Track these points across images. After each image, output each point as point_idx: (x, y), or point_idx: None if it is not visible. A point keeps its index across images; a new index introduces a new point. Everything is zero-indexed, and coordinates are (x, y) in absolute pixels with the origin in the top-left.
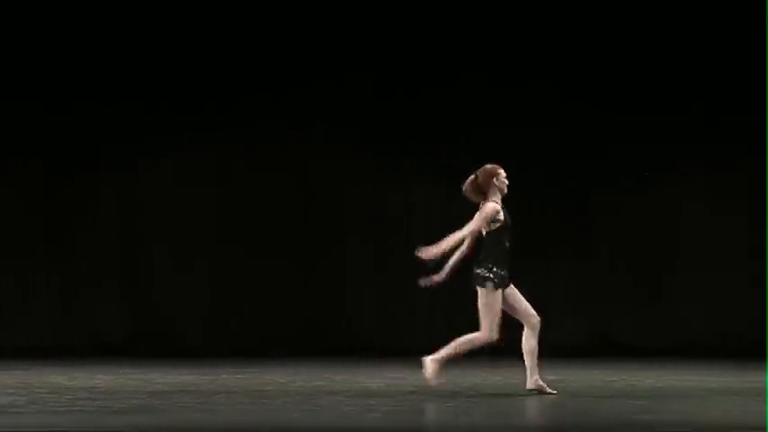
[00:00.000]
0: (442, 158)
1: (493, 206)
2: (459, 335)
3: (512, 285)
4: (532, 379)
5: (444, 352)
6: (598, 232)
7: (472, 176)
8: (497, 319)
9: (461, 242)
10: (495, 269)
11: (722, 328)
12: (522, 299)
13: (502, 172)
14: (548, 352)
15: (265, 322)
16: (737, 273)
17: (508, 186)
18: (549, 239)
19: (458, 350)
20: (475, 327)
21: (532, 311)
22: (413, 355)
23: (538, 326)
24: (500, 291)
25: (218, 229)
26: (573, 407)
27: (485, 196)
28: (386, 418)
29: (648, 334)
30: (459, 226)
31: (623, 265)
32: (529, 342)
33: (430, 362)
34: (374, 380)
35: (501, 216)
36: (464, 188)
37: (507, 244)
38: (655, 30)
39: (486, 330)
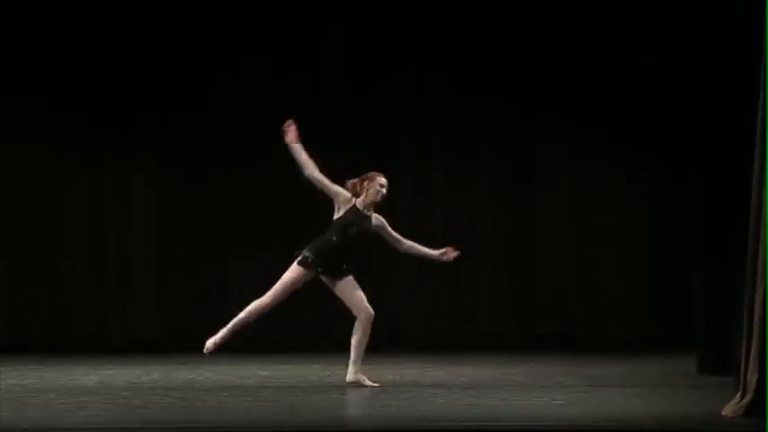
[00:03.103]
0: None
1: (348, 195)
2: None
3: (349, 278)
4: (352, 371)
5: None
6: (312, 230)
7: (361, 177)
8: (281, 288)
9: (305, 162)
10: (310, 251)
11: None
12: (356, 294)
13: (381, 180)
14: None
15: None
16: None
17: (383, 197)
18: (262, 239)
19: (236, 327)
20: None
21: (362, 306)
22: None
23: (367, 321)
24: (301, 268)
25: None
26: (284, 402)
27: (357, 196)
28: (99, 416)
29: None
30: None
31: None
32: (356, 335)
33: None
34: (89, 377)
35: (345, 210)
36: (348, 182)
37: (335, 239)
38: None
39: (269, 295)
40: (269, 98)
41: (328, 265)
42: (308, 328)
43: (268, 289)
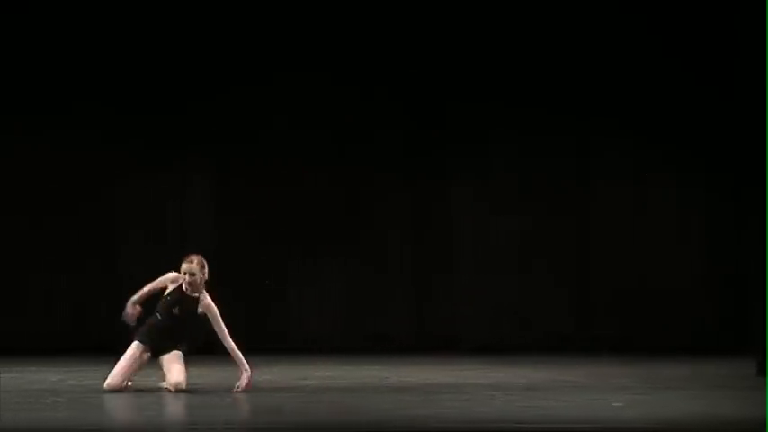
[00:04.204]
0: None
1: (173, 273)
2: None
3: (174, 352)
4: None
5: None
6: (370, 231)
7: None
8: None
9: (149, 291)
10: (143, 331)
11: (493, 327)
12: (175, 363)
13: (184, 267)
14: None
15: None
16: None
17: (189, 282)
18: (320, 239)
19: None
20: None
21: (175, 374)
22: None
23: (173, 386)
24: (138, 344)
25: None
26: (343, 403)
27: None
28: (159, 416)
29: (423, 331)
30: None
31: (396, 263)
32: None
33: None
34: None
35: (170, 287)
36: None
37: (161, 320)
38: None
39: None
40: (324, 99)
41: (157, 342)
42: (367, 331)
43: (326, 290)
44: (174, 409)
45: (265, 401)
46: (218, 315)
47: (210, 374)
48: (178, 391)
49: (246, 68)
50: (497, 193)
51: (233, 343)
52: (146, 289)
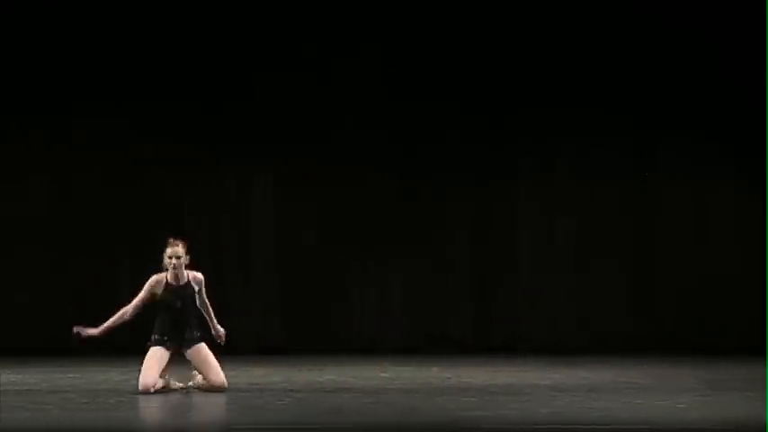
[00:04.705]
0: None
1: (153, 277)
2: None
3: (199, 347)
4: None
5: None
6: (431, 231)
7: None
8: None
9: (125, 315)
10: (154, 334)
11: (553, 327)
12: (208, 362)
13: (168, 251)
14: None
15: None
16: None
17: (173, 267)
18: (382, 239)
19: None
20: None
21: (214, 374)
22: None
23: (217, 388)
24: (155, 347)
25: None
26: (404, 403)
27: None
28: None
29: (483, 332)
30: None
31: (456, 264)
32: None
33: None
34: None
35: (158, 290)
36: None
37: (167, 317)
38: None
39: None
40: (387, 99)
41: (172, 338)
42: (428, 331)
43: (387, 291)
44: (237, 410)
45: (326, 402)
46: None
47: (269, 373)
48: (221, 390)
49: (308, 67)
50: (557, 193)
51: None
52: (119, 314)
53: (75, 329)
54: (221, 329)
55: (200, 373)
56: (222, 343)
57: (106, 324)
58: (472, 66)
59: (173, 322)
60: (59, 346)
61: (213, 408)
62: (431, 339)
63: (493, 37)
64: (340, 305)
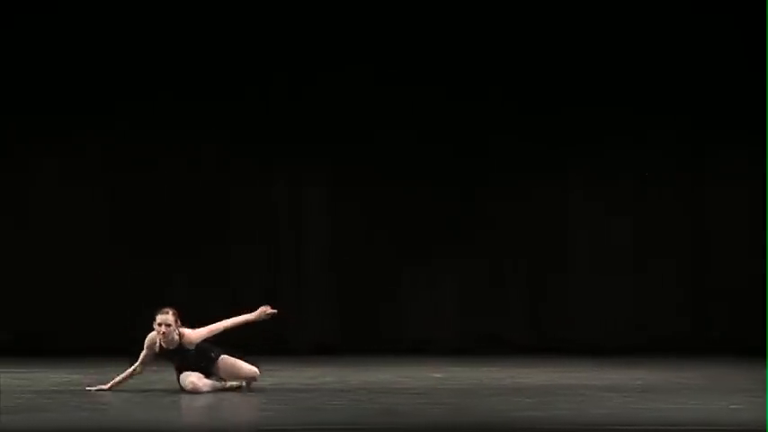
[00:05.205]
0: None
1: (149, 336)
2: None
3: (221, 361)
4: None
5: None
6: (484, 231)
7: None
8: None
9: (135, 371)
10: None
11: (608, 328)
12: (236, 365)
13: (158, 319)
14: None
15: None
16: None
17: (162, 334)
18: (435, 239)
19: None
20: None
21: (245, 370)
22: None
23: (251, 378)
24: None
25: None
26: (457, 404)
27: None
28: (276, 417)
29: (537, 332)
30: None
31: (510, 264)
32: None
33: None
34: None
35: (155, 349)
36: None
37: (179, 366)
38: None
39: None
40: (440, 101)
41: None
42: (481, 332)
43: (440, 291)
44: (291, 410)
45: (379, 402)
46: (203, 329)
47: (323, 374)
48: (255, 379)
49: (361, 69)
50: (612, 193)
51: (227, 321)
52: (129, 371)
53: (88, 389)
54: (257, 311)
55: (235, 380)
56: (269, 315)
57: (115, 380)
58: (528, 66)
59: (185, 369)
60: (116, 346)
61: (265, 408)
62: (484, 339)
63: (547, 37)
64: (393, 305)
